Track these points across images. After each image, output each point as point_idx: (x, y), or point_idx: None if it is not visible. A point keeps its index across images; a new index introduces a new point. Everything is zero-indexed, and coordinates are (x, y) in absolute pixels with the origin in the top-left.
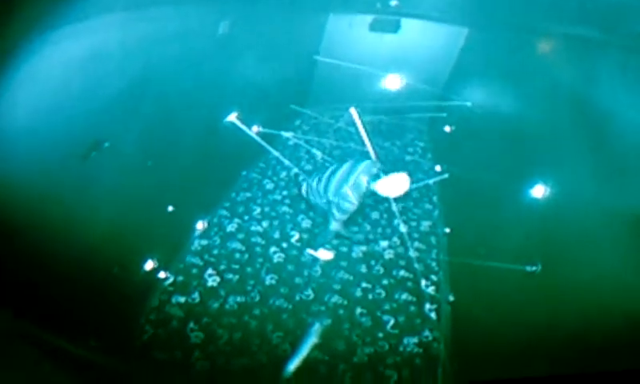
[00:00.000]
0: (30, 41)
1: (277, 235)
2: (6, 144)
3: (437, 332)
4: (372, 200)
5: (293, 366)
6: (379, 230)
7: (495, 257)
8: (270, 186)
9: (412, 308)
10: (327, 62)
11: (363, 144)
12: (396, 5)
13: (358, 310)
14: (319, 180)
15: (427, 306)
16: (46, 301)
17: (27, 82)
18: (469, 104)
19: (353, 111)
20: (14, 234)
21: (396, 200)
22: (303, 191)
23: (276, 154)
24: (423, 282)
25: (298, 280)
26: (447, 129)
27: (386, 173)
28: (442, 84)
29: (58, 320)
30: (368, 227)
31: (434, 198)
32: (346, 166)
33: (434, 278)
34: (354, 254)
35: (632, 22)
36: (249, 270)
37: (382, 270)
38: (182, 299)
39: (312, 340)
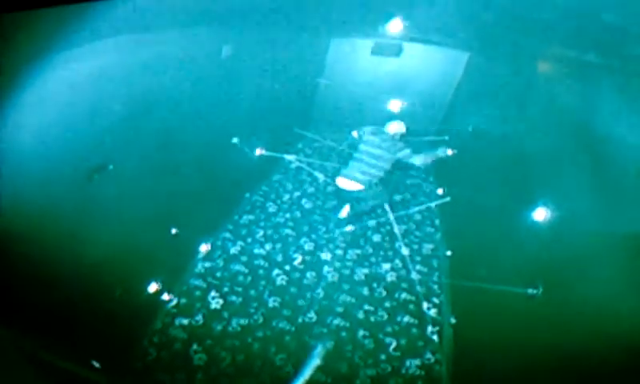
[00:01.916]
0: (36, 64)
1: (280, 258)
2: (12, 165)
3: (439, 354)
4: (375, 222)
5: None
6: (381, 252)
7: (497, 279)
8: (272, 208)
9: (414, 330)
10: (330, 86)
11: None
12: (398, 29)
13: (361, 333)
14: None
15: (429, 328)
16: (50, 322)
17: (33, 104)
18: (470, 128)
19: (355, 134)
20: (18, 254)
21: (398, 223)
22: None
23: None
24: (425, 305)
25: (300, 302)
26: (449, 152)
27: None
28: (443, 107)
29: (61, 341)
30: (370, 250)
31: (436, 221)
32: None
33: (435, 300)
34: (356, 277)
35: (631, 46)
36: (252, 292)
37: (384, 293)
38: (186, 321)
39: (315, 362)
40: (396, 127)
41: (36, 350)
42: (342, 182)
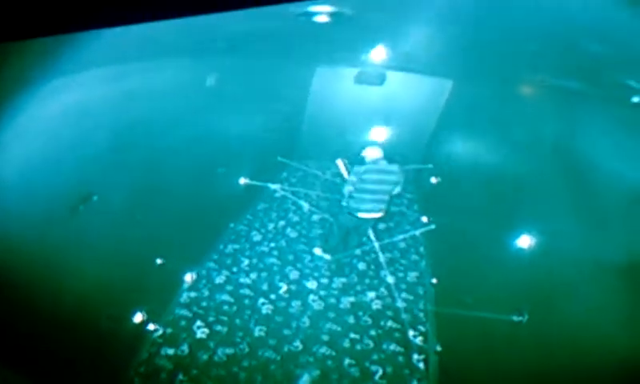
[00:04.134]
0: (20, 95)
1: (265, 287)
2: None
3: (425, 382)
4: (360, 251)
5: None
6: (367, 280)
7: (482, 307)
8: (257, 237)
9: (400, 358)
10: (314, 115)
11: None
12: (381, 57)
13: (347, 361)
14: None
15: (415, 356)
16: (36, 355)
17: (16, 135)
18: (454, 155)
19: (339, 162)
20: (2, 288)
21: (383, 251)
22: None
23: None
24: (411, 333)
25: (286, 331)
26: (433, 180)
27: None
28: (427, 135)
29: (47, 372)
30: (355, 278)
31: (421, 249)
32: None
33: (421, 328)
34: (341, 305)
35: (613, 74)
36: (237, 321)
37: (369, 321)
38: (171, 351)
39: None
40: (373, 153)
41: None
42: (365, 216)
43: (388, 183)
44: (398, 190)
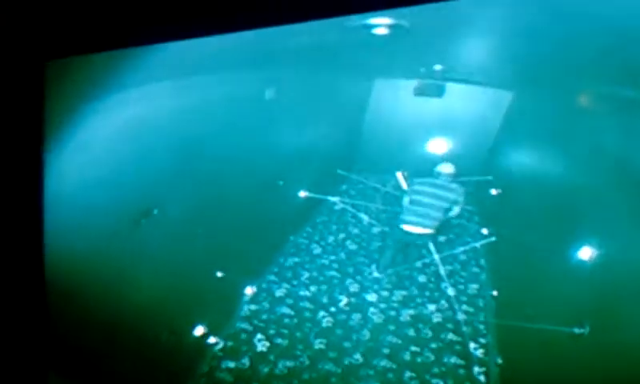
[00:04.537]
0: (82, 109)
1: (325, 300)
2: (58, 210)
3: None
4: (420, 263)
5: None
6: (427, 293)
7: (543, 319)
8: (317, 250)
9: (461, 371)
10: (373, 127)
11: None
12: (440, 69)
13: (407, 374)
14: None
15: (476, 368)
16: (96, 368)
17: (77, 151)
18: (513, 167)
19: (399, 175)
20: (65, 301)
21: (443, 264)
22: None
23: None
24: (472, 345)
25: (346, 344)
26: (493, 192)
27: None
28: (487, 147)
29: None
30: (416, 291)
31: (482, 261)
32: None
33: (482, 340)
34: (402, 318)
35: None
36: (298, 334)
37: (430, 334)
38: (232, 364)
39: None
40: (447, 168)
41: None
42: (409, 229)
43: (444, 200)
44: (457, 210)
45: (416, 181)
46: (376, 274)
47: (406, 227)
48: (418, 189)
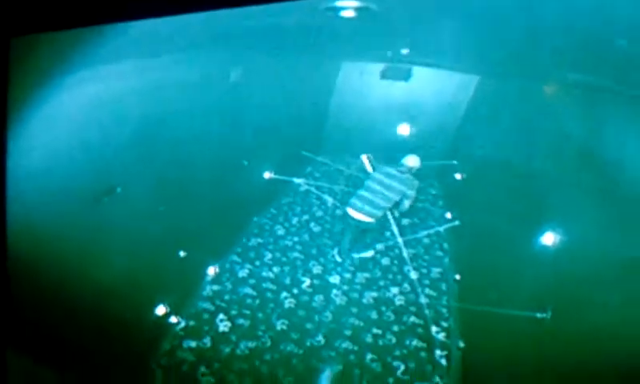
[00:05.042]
0: (47, 86)
1: (288, 281)
2: (21, 186)
3: (447, 378)
4: (383, 246)
5: None
6: (390, 276)
7: (505, 303)
8: (281, 231)
9: (422, 354)
10: (339, 110)
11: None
12: (407, 53)
13: (369, 356)
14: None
15: (437, 352)
16: (58, 345)
17: (43, 125)
18: (479, 152)
19: (364, 158)
20: (26, 277)
21: (407, 247)
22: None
23: None
24: (434, 329)
25: (308, 325)
26: (458, 176)
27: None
28: (452, 131)
29: (69, 362)
30: (379, 274)
31: (445, 245)
32: None
33: (444, 324)
34: (364, 300)
35: None
36: (260, 315)
37: (392, 317)
38: (194, 344)
39: None
40: (412, 161)
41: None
42: (353, 213)
43: (396, 192)
44: (407, 204)
45: (378, 168)
46: (338, 258)
47: (350, 211)
48: (376, 176)
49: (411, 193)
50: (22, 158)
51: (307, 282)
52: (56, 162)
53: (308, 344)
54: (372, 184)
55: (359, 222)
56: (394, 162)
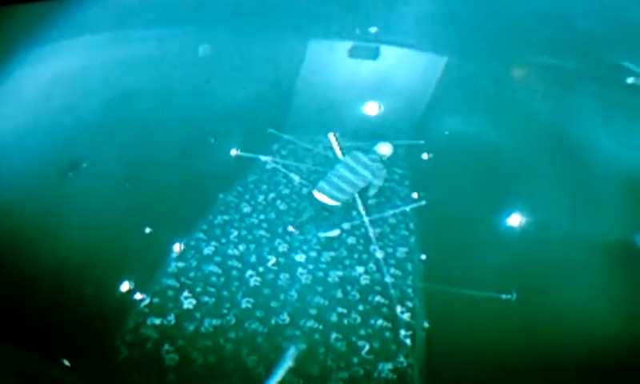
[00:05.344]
0: (11, 60)
1: (253, 259)
2: None
3: (411, 358)
4: (349, 225)
5: None
6: (355, 255)
7: (470, 284)
8: (247, 209)
9: (387, 334)
10: (307, 88)
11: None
12: (375, 32)
13: (334, 335)
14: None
15: (402, 332)
16: (20, 320)
17: (6, 100)
18: (446, 132)
19: (331, 136)
20: None
21: (373, 226)
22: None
23: None
24: (398, 308)
25: (273, 304)
26: (425, 156)
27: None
28: (420, 111)
29: (31, 339)
30: (344, 253)
31: (411, 225)
32: None
33: (409, 304)
34: (330, 279)
35: (609, 53)
36: (225, 293)
37: (357, 296)
38: (158, 321)
39: (287, 364)
40: (384, 149)
41: (3, 347)
42: (319, 196)
43: (363, 179)
44: (372, 192)
45: (349, 153)
46: (292, 229)
47: (317, 194)
48: (347, 161)
49: (378, 182)
50: None
51: (273, 260)
52: (21, 136)
53: (273, 322)
54: (340, 169)
55: (325, 204)
56: (360, 141)
